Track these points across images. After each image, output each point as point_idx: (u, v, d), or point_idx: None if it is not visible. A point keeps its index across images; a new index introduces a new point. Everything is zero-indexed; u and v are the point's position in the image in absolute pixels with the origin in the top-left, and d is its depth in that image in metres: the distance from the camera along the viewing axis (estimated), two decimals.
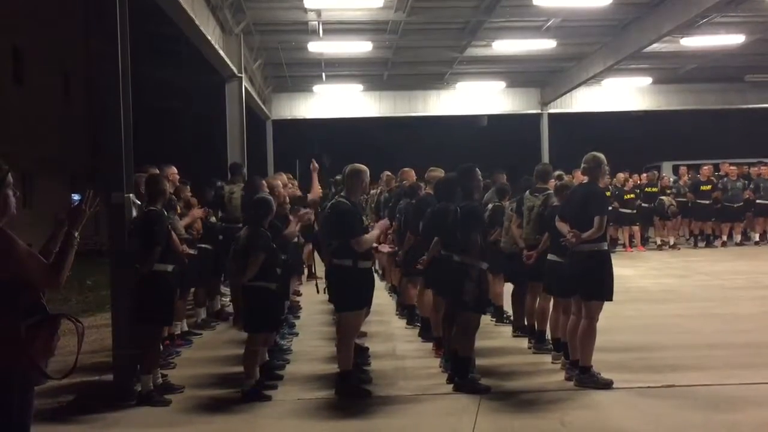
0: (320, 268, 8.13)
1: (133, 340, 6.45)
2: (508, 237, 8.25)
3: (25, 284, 3.25)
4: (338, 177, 9.54)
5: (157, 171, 7.56)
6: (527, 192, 7.85)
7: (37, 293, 3.32)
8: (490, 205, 8.63)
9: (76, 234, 3.41)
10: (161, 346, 6.83)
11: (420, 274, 8.01)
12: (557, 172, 8.25)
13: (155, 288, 6.32)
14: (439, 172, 8.46)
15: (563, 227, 6.57)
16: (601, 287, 6.27)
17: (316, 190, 9.50)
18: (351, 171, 6.49)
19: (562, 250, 6.60)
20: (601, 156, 6.56)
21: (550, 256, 6.98)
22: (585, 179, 6.74)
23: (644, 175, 18.51)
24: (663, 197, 17.47)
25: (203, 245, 9.01)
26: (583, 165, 6.63)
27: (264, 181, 8.30)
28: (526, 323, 8.17)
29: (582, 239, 6.22)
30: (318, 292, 7.64)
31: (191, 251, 8.22)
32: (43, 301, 3.32)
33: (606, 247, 6.44)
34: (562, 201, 6.96)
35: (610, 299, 6.35)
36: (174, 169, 8.35)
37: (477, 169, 6.78)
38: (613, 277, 6.35)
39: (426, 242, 7.45)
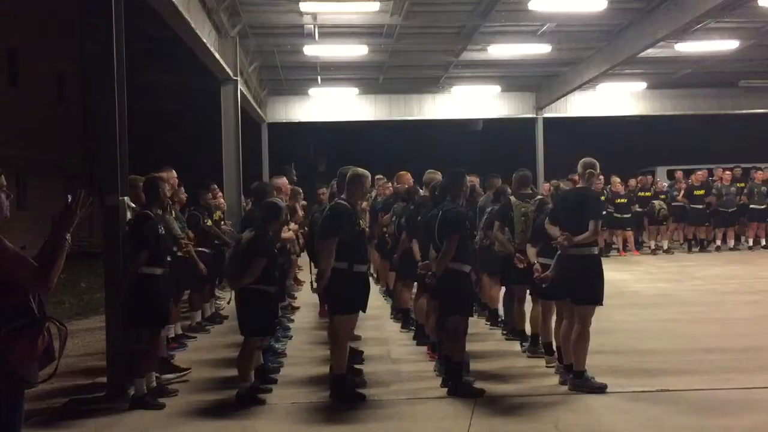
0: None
1: (127, 343, 6.43)
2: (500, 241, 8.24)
3: (11, 287, 3.20)
4: (325, 190, 9.46)
5: (164, 174, 7.52)
6: (512, 198, 7.82)
7: (26, 296, 3.26)
8: (489, 209, 8.60)
9: (67, 236, 3.34)
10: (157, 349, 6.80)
11: (414, 278, 8.00)
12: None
13: (143, 291, 6.30)
14: (436, 175, 8.46)
15: (554, 230, 6.58)
16: (592, 291, 6.29)
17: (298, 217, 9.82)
18: (352, 175, 6.45)
19: (552, 253, 6.62)
20: (594, 161, 6.61)
21: (540, 259, 6.98)
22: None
23: (638, 178, 18.56)
24: (654, 201, 17.53)
25: (200, 249, 9.00)
26: (578, 170, 6.67)
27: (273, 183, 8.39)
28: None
29: (574, 242, 6.23)
30: (312, 289, 7.61)
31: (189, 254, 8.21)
32: (31, 305, 3.26)
33: (596, 252, 6.47)
34: (554, 204, 6.99)
35: (601, 303, 6.37)
36: (174, 173, 8.32)
37: (465, 174, 6.85)
38: (603, 281, 6.37)
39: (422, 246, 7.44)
